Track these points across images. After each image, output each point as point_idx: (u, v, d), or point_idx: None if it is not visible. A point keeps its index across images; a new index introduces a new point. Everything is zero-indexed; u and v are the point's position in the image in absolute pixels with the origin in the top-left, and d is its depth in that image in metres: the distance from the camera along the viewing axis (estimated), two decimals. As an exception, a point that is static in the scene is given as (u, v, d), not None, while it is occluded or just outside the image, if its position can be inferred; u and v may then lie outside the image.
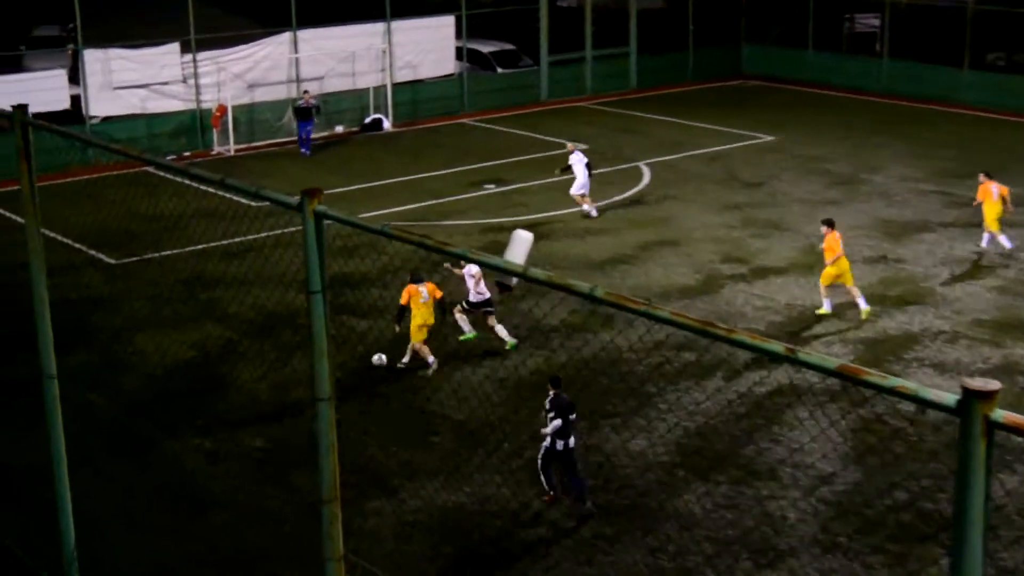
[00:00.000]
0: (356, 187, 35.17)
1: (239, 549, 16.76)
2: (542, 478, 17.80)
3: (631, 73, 51.42)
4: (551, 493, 17.78)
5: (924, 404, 4.43)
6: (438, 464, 18.88)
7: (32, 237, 9.25)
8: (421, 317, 22.17)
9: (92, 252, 28.61)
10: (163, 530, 17.27)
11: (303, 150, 40.15)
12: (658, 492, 17.95)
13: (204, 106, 41.32)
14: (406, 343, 22.40)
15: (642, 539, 16.82)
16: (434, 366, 22.26)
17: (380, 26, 44.53)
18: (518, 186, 35.28)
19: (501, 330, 23.30)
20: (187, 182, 33.27)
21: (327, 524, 7.11)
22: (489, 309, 23.37)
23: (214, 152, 40.90)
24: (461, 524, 17.33)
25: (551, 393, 17.87)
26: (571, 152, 32.68)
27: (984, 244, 28.54)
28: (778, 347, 4.94)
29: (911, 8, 48.94)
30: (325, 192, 6.88)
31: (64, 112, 38.19)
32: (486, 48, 48.76)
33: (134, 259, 28.71)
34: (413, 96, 45.69)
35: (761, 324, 24.22)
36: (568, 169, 32.17)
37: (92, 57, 39.34)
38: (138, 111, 40.48)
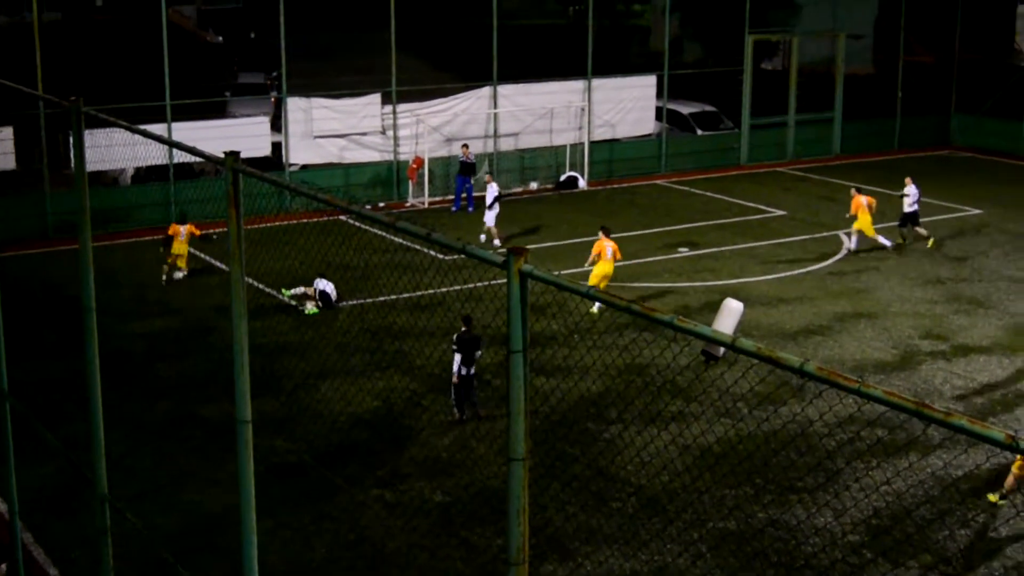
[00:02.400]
0: (548, 244, 35.02)
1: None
2: (454, 405, 22.33)
3: (834, 139, 50.64)
4: (457, 414, 22.26)
5: None
6: (616, 529, 18.44)
7: (236, 283, 9.15)
8: (181, 249, 29.95)
9: (283, 298, 28.81)
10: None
11: (455, 208, 40.32)
12: (844, 575, 17.25)
13: (401, 158, 41.68)
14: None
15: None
16: (181, 276, 30.02)
17: (580, 84, 44.56)
18: (711, 250, 34.78)
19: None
20: (378, 232, 33.55)
21: (512, 587, 6.81)
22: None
23: (408, 204, 41.21)
24: (637, 594, 16.87)
25: (462, 329, 22.05)
26: (489, 183, 35.12)
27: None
28: (999, 434, 4.70)
29: None
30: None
31: (264, 159, 38.88)
32: (686, 109, 48.42)
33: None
34: (610, 155, 45.57)
35: (959, 404, 23.30)
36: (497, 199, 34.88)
37: (295, 105, 40.00)
38: (336, 160, 41.02)
